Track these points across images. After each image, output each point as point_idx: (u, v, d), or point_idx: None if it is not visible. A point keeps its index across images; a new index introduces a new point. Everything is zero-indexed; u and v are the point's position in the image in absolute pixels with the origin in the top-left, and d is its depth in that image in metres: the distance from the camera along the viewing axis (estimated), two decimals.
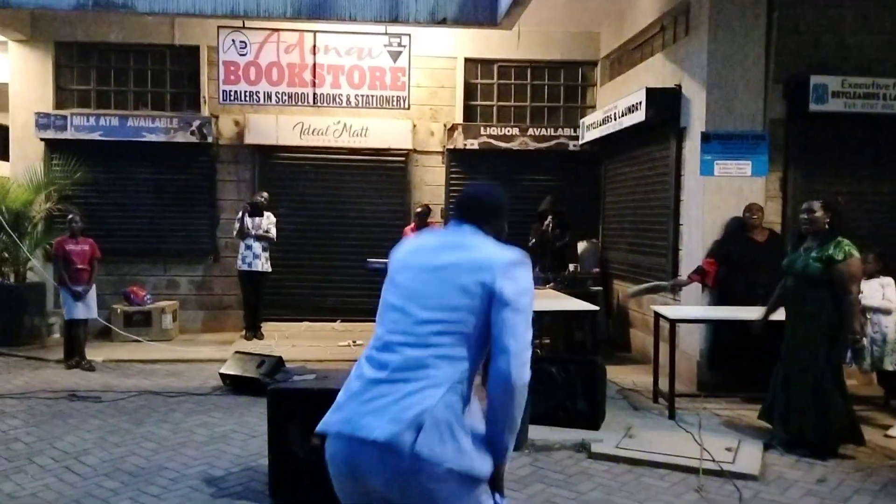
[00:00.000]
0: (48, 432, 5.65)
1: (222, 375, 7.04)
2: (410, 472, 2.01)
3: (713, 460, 4.91)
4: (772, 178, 7.21)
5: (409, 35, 9.48)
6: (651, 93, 7.61)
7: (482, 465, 2.10)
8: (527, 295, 2.16)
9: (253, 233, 9.24)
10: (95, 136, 9.79)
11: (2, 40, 9.96)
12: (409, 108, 9.79)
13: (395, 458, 2.01)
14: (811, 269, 5.06)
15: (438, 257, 2.23)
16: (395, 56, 9.52)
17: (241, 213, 9.28)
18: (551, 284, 8.40)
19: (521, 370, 2.08)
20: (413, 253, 2.32)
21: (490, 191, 2.43)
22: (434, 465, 2.01)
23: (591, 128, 9.47)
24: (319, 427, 2.21)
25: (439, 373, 2.09)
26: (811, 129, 7.26)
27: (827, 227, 5.11)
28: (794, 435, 5.25)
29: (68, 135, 9.77)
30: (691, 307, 7.06)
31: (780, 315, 5.58)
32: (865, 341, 5.55)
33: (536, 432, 5.32)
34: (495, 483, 2.17)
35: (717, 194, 7.03)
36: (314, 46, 9.48)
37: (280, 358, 6.98)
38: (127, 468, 4.89)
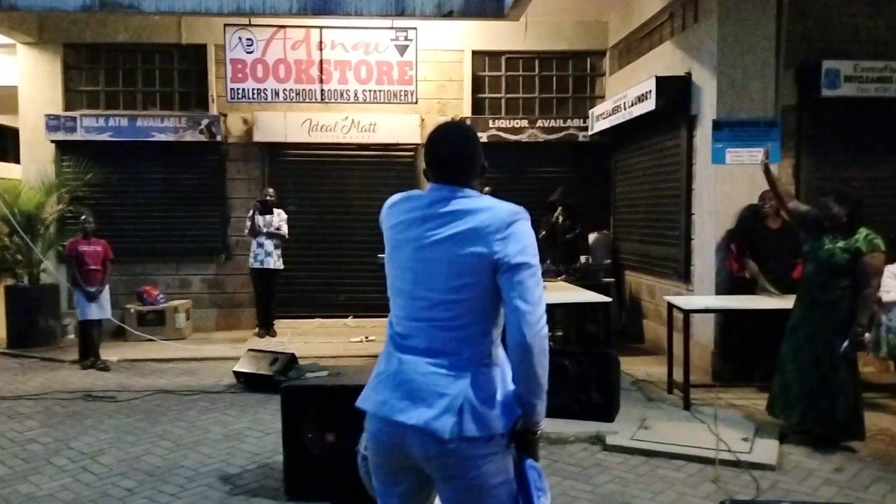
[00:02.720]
0: (64, 433, 5.68)
1: (236, 373, 7.06)
2: (454, 452, 2.07)
3: (729, 451, 4.88)
4: (784, 164, 7.15)
5: (416, 28, 9.45)
6: (661, 81, 7.54)
7: (508, 420, 2.11)
8: (529, 250, 2.08)
9: (264, 230, 9.25)
10: (105, 136, 9.83)
11: (10, 43, 10.00)
12: (416, 103, 9.77)
13: (436, 440, 2.06)
14: (838, 258, 4.98)
15: (432, 232, 2.14)
16: (402, 50, 9.49)
17: (251, 212, 9.29)
18: (562, 276, 8.36)
19: (535, 330, 2.04)
20: (405, 227, 2.20)
21: (459, 135, 2.28)
22: (476, 441, 2.07)
23: (601, 118, 9.41)
24: (359, 403, 2.26)
25: (464, 355, 2.10)
26: (824, 115, 7.18)
27: (846, 219, 5.02)
28: (801, 424, 5.19)
29: (78, 136, 9.81)
30: (704, 297, 7.01)
31: (785, 304, 5.54)
32: (868, 336, 5.30)
33: (551, 425, 5.29)
34: (529, 447, 2.15)
35: (730, 182, 6.97)
36: (321, 42, 9.47)
37: (293, 355, 7.00)
38: (143, 467, 4.91)
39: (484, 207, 2.12)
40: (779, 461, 4.80)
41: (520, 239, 2.07)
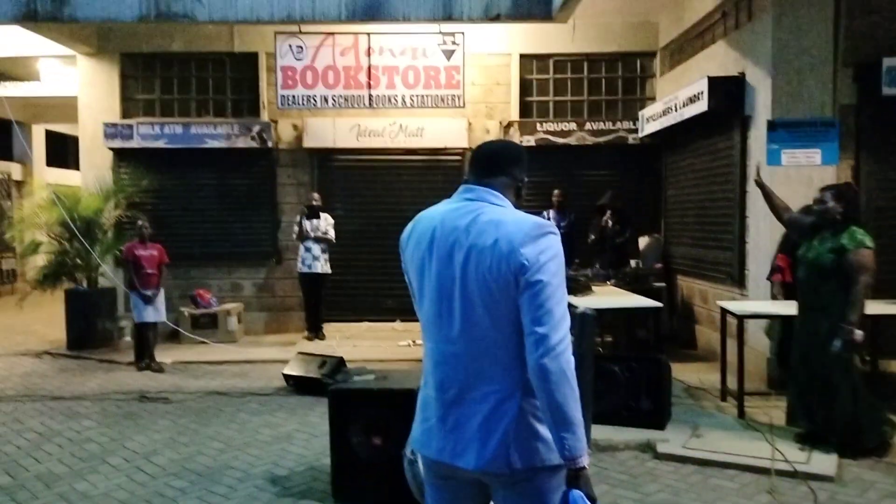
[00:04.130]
0: (120, 433, 5.82)
1: (285, 376, 7.14)
2: (511, 483, 2.06)
3: (786, 461, 4.73)
4: (843, 166, 6.92)
5: (463, 33, 9.45)
6: (713, 81, 7.40)
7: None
8: (550, 267, 1.96)
9: (312, 235, 9.35)
10: (160, 143, 10.08)
11: (71, 54, 10.34)
12: (464, 107, 9.77)
13: (493, 476, 2.07)
14: (823, 259, 4.88)
15: (456, 249, 2.05)
16: (449, 54, 9.50)
17: (299, 217, 9.42)
18: (612, 281, 8.24)
19: (554, 353, 1.91)
20: (428, 246, 2.14)
21: (502, 143, 2.40)
22: (529, 470, 2.03)
23: (651, 120, 9.27)
24: (413, 446, 2.26)
25: (506, 381, 2.03)
26: (884, 114, 6.93)
27: (839, 217, 4.91)
28: (824, 429, 5.03)
29: (135, 143, 10.09)
30: (759, 302, 6.82)
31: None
32: (860, 334, 4.90)
33: (600, 432, 5.20)
34: (574, 482, 1.96)
35: (786, 185, 6.76)
36: (369, 48, 9.54)
37: (341, 358, 7.05)
38: (195, 468, 5.00)
39: (509, 222, 2.03)
40: (838, 472, 4.64)
41: (543, 256, 1.97)
